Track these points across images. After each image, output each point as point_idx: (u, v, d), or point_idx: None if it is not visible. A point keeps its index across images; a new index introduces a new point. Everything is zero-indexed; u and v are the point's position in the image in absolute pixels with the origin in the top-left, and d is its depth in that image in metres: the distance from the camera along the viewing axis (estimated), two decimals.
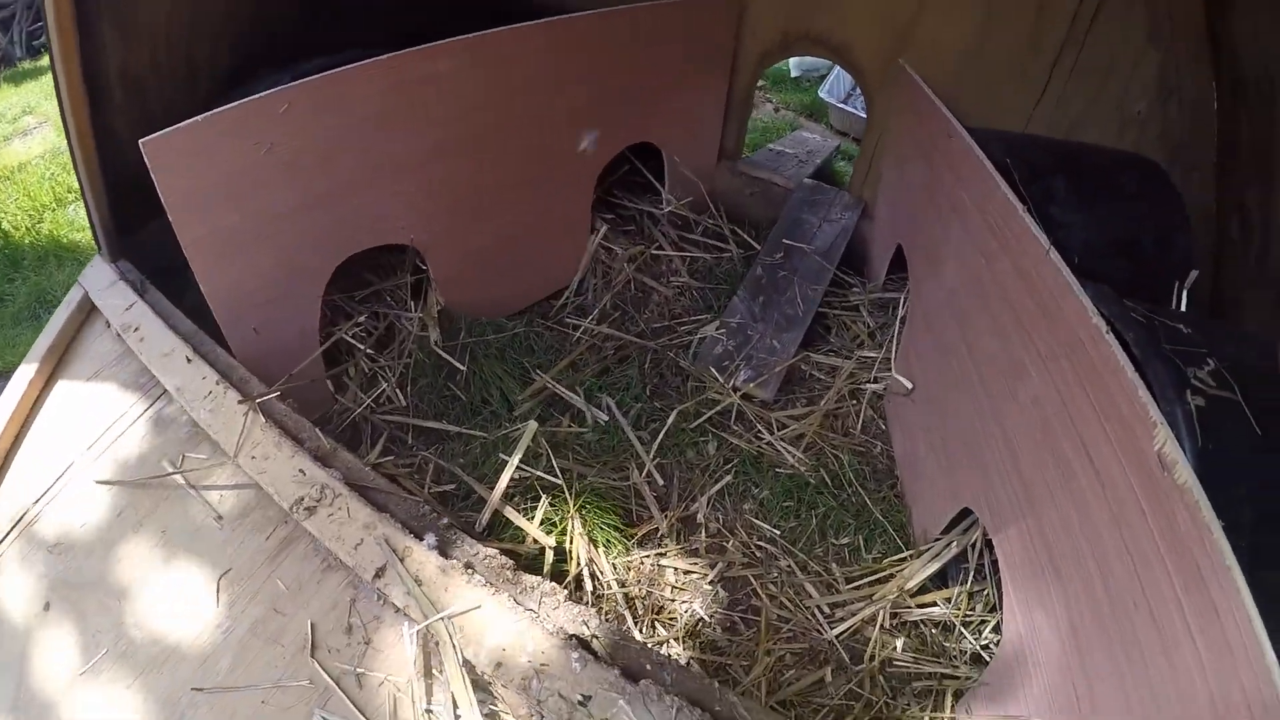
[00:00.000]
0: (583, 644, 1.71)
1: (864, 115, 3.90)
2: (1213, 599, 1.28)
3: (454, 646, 1.64)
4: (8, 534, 2.02)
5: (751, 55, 3.73)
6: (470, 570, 1.79)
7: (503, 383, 2.90)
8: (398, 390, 2.84)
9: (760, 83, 6.51)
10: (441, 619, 1.67)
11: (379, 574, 1.76)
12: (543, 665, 1.62)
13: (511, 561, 1.91)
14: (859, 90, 4.37)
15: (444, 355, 2.89)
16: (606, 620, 2.17)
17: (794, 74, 6.83)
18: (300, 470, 1.94)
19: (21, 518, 2.04)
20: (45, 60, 6.25)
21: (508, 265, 3.16)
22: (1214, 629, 1.26)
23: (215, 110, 2.10)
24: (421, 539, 1.84)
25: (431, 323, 2.96)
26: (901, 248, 3.07)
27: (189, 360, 2.17)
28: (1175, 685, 1.34)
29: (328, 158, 2.41)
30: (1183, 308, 2.44)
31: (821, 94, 6.03)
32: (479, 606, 1.71)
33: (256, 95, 2.17)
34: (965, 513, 2.32)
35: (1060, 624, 1.72)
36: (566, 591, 1.94)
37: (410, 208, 2.73)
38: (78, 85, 2.34)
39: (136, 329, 2.27)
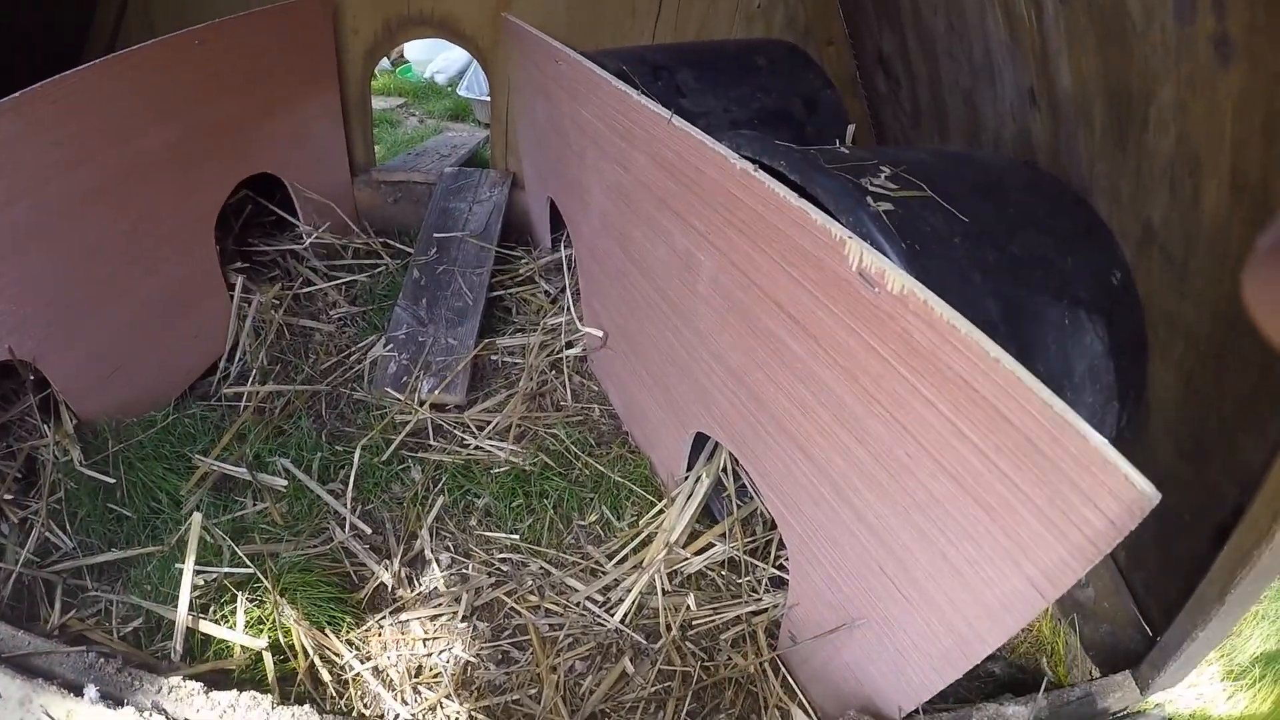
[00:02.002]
0: None
1: None
2: (993, 405, 1.05)
3: None
4: None
5: (356, 55, 3.47)
6: (149, 713, 1.57)
7: (166, 482, 2.41)
8: (58, 532, 2.28)
9: (402, 99, 6.28)
10: None
11: None
12: None
13: (200, 685, 1.65)
14: None
15: (93, 474, 2.36)
16: (343, 712, 1.88)
17: (425, 75, 6.71)
18: None
19: None
20: None
21: (140, 353, 2.63)
22: (1011, 438, 1.04)
23: None
24: (83, 696, 1.59)
25: (70, 442, 2.41)
26: (554, 201, 2.90)
27: None
28: (1000, 526, 1.12)
29: None
30: None
31: (461, 92, 5.93)
32: None
33: None
34: (703, 439, 2.15)
35: (840, 512, 1.51)
36: (274, 700, 1.65)
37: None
38: None
39: None
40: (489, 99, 5.35)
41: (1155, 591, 1.83)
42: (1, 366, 2.25)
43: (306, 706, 1.66)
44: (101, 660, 1.68)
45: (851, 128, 2.68)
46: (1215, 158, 1.52)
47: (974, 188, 1.82)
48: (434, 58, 6.76)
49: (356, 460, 2.46)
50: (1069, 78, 1.94)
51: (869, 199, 1.56)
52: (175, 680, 1.66)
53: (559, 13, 3.33)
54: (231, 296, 2.97)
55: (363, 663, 1.99)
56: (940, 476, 1.21)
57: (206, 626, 1.96)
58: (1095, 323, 1.66)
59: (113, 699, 1.60)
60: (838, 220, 1.34)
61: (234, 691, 1.65)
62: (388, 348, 2.86)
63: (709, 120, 2.54)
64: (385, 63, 6.67)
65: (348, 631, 2.06)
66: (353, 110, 3.58)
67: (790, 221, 1.39)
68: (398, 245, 3.48)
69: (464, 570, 2.26)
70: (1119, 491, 0.93)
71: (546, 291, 3.13)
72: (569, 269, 2.94)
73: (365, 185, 3.69)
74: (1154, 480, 0.91)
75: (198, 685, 1.65)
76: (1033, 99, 2.12)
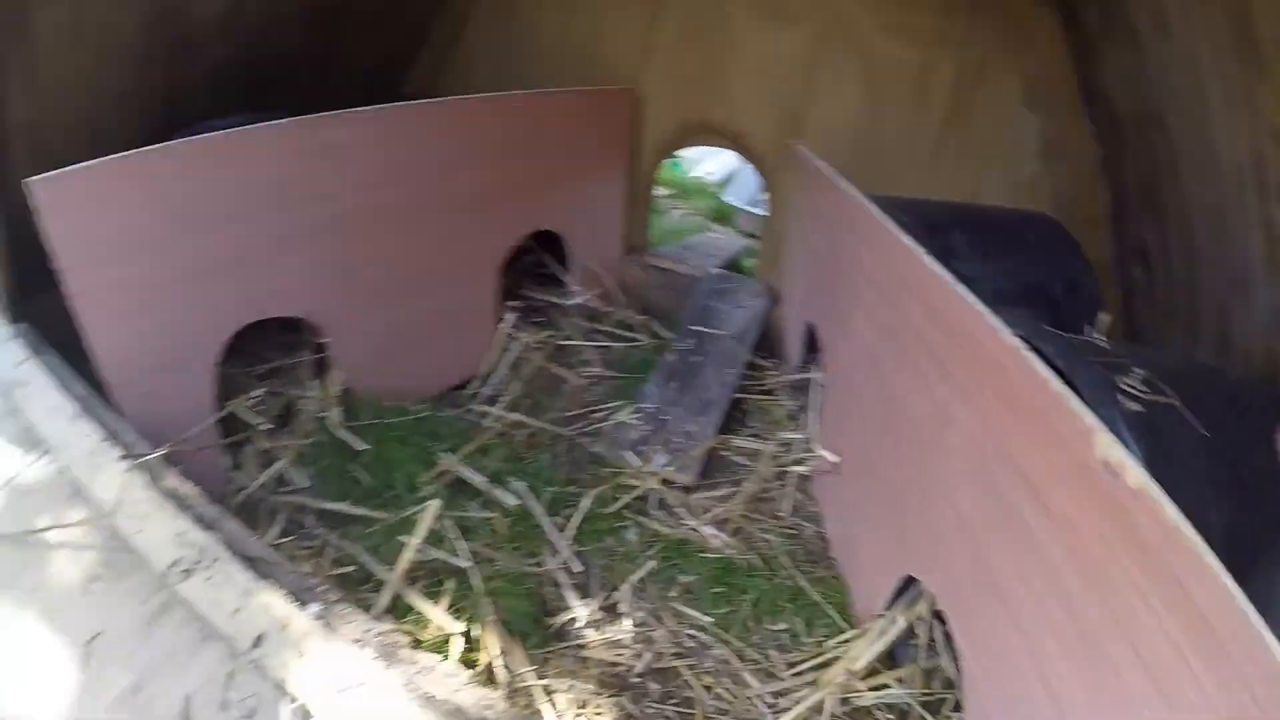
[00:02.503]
0: None
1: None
2: (1198, 606, 1.08)
3: None
4: None
5: (649, 146, 3.82)
6: (360, 645, 1.62)
7: (406, 466, 2.69)
8: (297, 470, 2.61)
9: (668, 190, 6.60)
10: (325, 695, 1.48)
11: (257, 643, 1.56)
12: None
13: (409, 638, 1.76)
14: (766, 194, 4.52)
15: (344, 436, 2.70)
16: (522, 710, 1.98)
17: (693, 173, 6.99)
18: (180, 533, 1.74)
19: None
20: None
21: (411, 351, 3.05)
22: (1207, 640, 1.07)
23: (112, 156, 2.01)
24: (305, 608, 1.66)
25: (333, 403, 2.79)
26: (813, 328, 3.04)
27: (74, 417, 1.97)
28: (1175, 715, 1.14)
29: (224, 219, 2.33)
30: None
31: (726, 198, 6.13)
32: (365, 684, 1.52)
33: (156, 146, 2.09)
34: (909, 584, 2.16)
35: (1032, 684, 1.51)
36: (469, 675, 1.77)
37: (305, 282, 2.62)
38: None
39: (24, 385, 2.07)
40: (752, 210, 5.62)
41: None
42: (289, 320, 2.67)
43: (499, 692, 1.81)
44: (321, 587, 1.78)
45: (1105, 318, 2.66)
46: None
47: (1218, 402, 1.85)
48: (704, 158, 7.07)
49: (586, 504, 2.68)
50: None
51: (1122, 397, 1.66)
52: (385, 627, 1.73)
53: (841, 150, 3.39)
54: (496, 329, 3.35)
55: (537, 678, 2.10)
56: (1135, 663, 1.23)
57: (413, 597, 2.15)
58: None
59: (326, 622, 1.66)
60: (1093, 410, 1.40)
61: (435, 654, 1.78)
62: (634, 415, 3.10)
63: (976, 286, 2.61)
64: None
65: (532, 647, 2.20)
66: (637, 195, 3.92)
67: (1050, 402, 1.46)
68: (654, 326, 3.76)
69: (651, 633, 2.36)
70: None
71: (786, 406, 3.25)
72: (814, 391, 3.05)
73: (635, 264, 4.00)
74: None
75: (404, 638, 1.73)
76: None
